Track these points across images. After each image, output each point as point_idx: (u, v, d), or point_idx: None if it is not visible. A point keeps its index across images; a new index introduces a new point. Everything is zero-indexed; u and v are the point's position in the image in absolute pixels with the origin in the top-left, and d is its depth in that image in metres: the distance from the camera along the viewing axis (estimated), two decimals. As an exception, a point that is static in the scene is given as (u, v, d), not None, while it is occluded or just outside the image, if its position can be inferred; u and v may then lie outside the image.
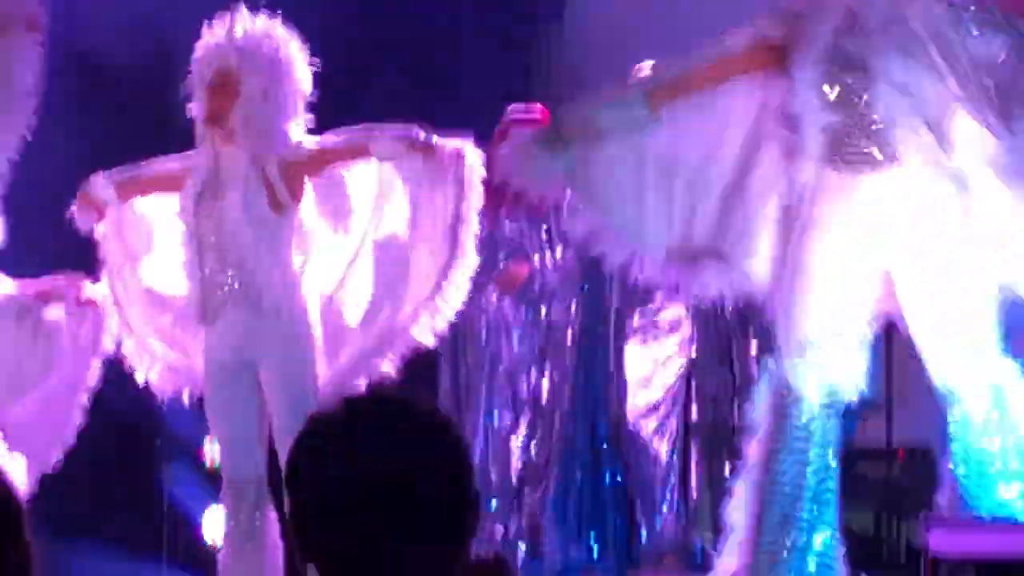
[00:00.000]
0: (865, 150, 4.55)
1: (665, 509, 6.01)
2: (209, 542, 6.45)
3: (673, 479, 6.05)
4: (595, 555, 6.08)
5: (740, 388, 5.92)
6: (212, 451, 6.44)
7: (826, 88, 4.52)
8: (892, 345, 5.64)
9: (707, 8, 6.59)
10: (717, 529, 5.38)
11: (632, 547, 6.08)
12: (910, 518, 5.77)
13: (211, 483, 6.27)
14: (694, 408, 6.11)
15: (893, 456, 6.21)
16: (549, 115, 5.96)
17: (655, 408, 5.99)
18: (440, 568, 1.96)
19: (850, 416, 5.75)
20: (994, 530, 4.65)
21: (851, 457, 5.98)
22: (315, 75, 4.98)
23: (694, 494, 6.12)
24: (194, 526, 6.76)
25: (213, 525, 6.31)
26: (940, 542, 4.46)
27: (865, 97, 4.50)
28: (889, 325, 5.29)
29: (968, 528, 4.73)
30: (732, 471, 5.58)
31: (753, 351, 6.02)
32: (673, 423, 6.02)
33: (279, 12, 5.15)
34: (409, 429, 1.98)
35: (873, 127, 4.51)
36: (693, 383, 6.09)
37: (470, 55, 7.41)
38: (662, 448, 6.00)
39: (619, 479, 6.05)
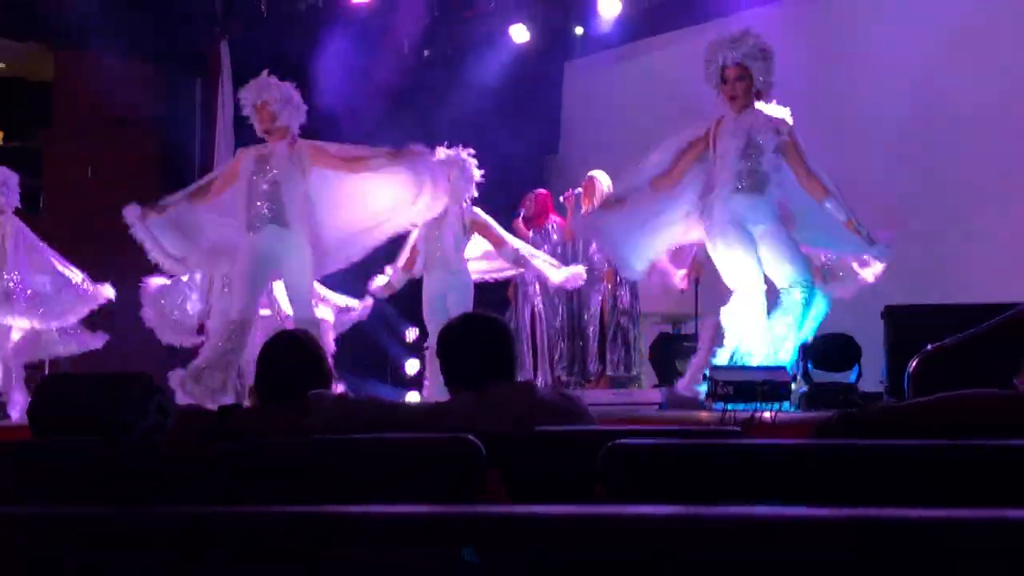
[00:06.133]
0: None
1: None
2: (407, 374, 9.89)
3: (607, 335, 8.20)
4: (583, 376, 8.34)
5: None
6: (408, 334, 10.02)
7: None
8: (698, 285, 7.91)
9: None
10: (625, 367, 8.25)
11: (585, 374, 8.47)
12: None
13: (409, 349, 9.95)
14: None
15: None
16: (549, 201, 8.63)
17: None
18: (508, 379, 2.85)
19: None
20: (737, 368, 6.13)
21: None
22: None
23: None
24: (401, 367, 10.18)
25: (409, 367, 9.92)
26: (715, 374, 5.96)
27: None
28: (699, 270, 7.40)
29: (730, 368, 6.18)
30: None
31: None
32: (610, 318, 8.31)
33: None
34: (482, 327, 3.05)
35: None
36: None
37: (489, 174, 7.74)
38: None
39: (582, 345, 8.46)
